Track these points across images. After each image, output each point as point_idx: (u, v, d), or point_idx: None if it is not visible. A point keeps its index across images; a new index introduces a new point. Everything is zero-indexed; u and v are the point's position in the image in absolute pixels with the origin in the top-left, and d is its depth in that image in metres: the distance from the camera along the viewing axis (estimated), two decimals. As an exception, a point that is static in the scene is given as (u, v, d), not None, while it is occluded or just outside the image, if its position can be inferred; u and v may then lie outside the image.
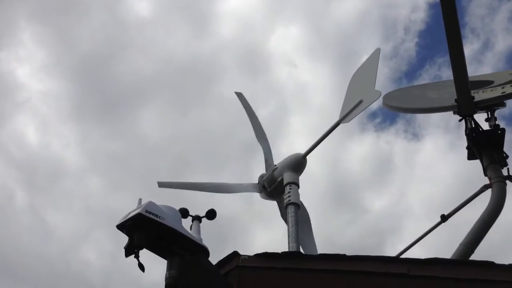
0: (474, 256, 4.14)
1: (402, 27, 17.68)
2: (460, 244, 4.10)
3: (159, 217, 2.71)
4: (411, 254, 5.09)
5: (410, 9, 17.87)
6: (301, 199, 4.73)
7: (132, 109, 17.17)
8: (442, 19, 4.05)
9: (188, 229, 3.09)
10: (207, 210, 3.25)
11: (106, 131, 17.33)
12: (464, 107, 4.72)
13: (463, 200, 4.82)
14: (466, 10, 16.27)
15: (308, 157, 4.87)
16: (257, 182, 5.11)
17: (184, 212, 3.13)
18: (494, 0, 16.31)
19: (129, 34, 17.33)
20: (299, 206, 4.69)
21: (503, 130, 4.76)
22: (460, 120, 4.84)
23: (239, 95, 5.98)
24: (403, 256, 4.88)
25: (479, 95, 4.97)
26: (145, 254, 2.82)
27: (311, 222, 4.92)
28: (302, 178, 4.91)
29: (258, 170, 5.28)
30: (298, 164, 4.80)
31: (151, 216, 2.68)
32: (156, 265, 2.93)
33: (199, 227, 3.18)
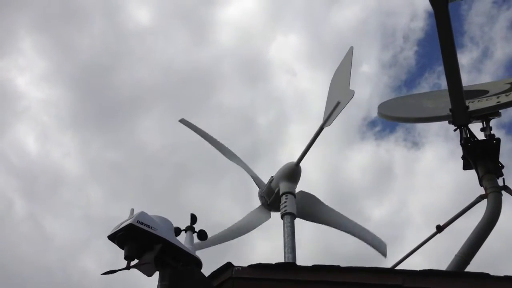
0: (473, 265, 4.12)
1: (401, 35, 17.78)
2: (456, 255, 4.07)
3: (151, 227, 2.68)
4: (410, 263, 5.06)
5: (409, 17, 17.97)
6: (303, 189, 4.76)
7: (131, 118, 17.17)
8: (437, 32, 4.06)
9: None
10: (199, 229, 3.22)
11: (106, 140, 17.31)
12: (459, 117, 4.71)
13: (461, 209, 4.79)
14: (465, 19, 16.37)
15: (308, 166, 4.85)
16: (259, 203, 5.08)
17: (193, 218, 3.12)
18: (493, 8, 16.40)
19: (128, 43, 17.38)
20: (295, 216, 4.67)
21: (498, 140, 4.74)
22: (455, 130, 4.83)
23: (184, 122, 5.81)
24: (400, 266, 4.85)
25: (474, 105, 4.97)
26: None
27: (311, 230, 4.91)
28: (301, 187, 4.90)
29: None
30: (292, 173, 4.78)
31: (142, 226, 2.65)
32: (154, 277, 2.89)
33: (192, 238, 3.14)
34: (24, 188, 16.59)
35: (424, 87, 16.77)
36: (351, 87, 4.48)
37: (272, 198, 4.91)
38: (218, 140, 5.54)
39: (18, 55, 17.43)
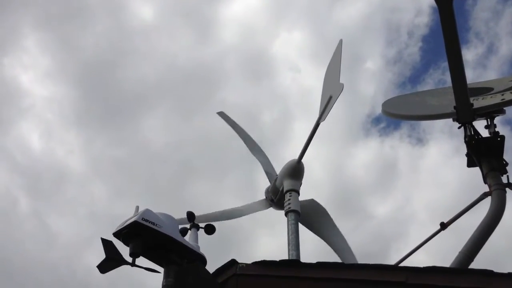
0: (477, 263, 4.11)
1: (405, 31, 17.72)
2: (460, 252, 4.07)
3: (156, 224, 2.70)
4: (414, 260, 5.06)
5: (414, 13, 17.90)
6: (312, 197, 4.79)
7: (135, 115, 17.22)
8: (441, 28, 4.05)
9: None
10: (206, 224, 3.24)
11: (110, 137, 17.38)
12: (463, 114, 4.70)
13: (465, 206, 4.78)
14: (470, 14, 16.29)
15: (312, 163, 4.88)
16: (264, 197, 5.13)
17: (190, 216, 3.13)
18: (498, 4, 16.31)
19: (132, 41, 17.42)
20: (299, 214, 4.68)
21: (503, 137, 4.73)
22: (459, 127, 4.82)
23: (222, 114, 6.02)
24: (403, 263, 4.86)
25: (479, 102, 4.96)
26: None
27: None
28: (305, 184, 4.91)
29: (261, 176, 5.28)
30: (294, 170, 4.81)
31: (147, 224, 2.67)
32: (160, 274, 2.91)
33: (196, 235, 3.17)
34: (29, 185, 16.70)
35: (428, 83, 16.70)
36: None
37: (278, 196, 4.94)
38: (250, 135, 5.64)
39: (22, 53, 17.53)
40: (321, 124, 4.61)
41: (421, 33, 17.94)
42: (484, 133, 4.85)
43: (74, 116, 17.51)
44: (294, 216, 4.62)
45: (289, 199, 4.72)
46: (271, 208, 5.16)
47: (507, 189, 4.56)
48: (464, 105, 4.63)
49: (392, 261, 4.71)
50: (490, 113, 4.90)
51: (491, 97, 5.13)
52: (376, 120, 17.36)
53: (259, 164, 5.37)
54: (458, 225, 4.84)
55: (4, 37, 17.25)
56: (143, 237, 2.69)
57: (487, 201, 4.58)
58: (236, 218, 5.05)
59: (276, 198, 4.98)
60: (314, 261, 3.19)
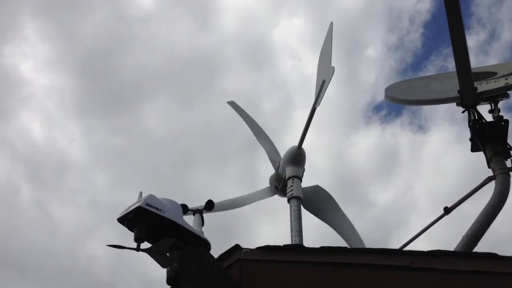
0: (478, 249, 4.12)
1: (407, 17, 17.57)
2: (464, 236, 4.07)
3: (160, 210, 2.70)
4: (415, 247, 5.07)
5: (415, -1, 17.73)
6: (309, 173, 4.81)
7: (136, 104, 17.19)
8: (445, 12, 4.00)
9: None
10: (205, 202, 3.25)
11: (111, 126, 17.37)
12: (467, 98, 4.67)
13: (467, 192, 4.78)
14: (473, 0, 16.13)
15: (313, 151, 4.90)
16: (269, 185, 5.15)
17: (184, 208, 3.12)
18: (501, -11, 16.15)
19: (132, 29, 17.32)
20: (301, 200, 4.69)
21: (507, 121, 4.71)
22: (463, 112, 4.79)
23: (232, 104, 6.04)
24: (406, 248, 4.86)
25: (482, 86, 4.92)
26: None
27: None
28: (307, 172, 4.92)
29: (261, 164, 5.30)
30: (295, 156, 4.82)
31: (151, 209, 2.67)
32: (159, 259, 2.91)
33: (200, 220, 3.17)
34: (30, 174, 16.74)
35: (430, 70, 16.61)
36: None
37: (281, 183, 4.95)
38: (257, 124, 5.64)
39: (21, 41, 17.44)
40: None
41: (422, 19, 17.81)
42: (488, 117, 4.83)
43: (75, 105, 17.50)
44: (296, 202, 4.64)
45: (291, 186, 4.73)
46: (273, 196, 5.17)
47: (511, 173, 4.54)
48: (468, 89, 4.60)
49: (394, 247, 4.72)
50: (494, 97, 4.87)
51: (494, 81, 5.09)
52: (377, 108, 17.33)
53: (259, 152, 5.39)
54: (459, 211, 4.84)
55: (3, 25, 17.16)
56: (147, 222, 2.68)
57: (487, 187, 4.58)
58: (242, 207, 5.05)
59: (280, 185, 4.99)
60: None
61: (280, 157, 5.21)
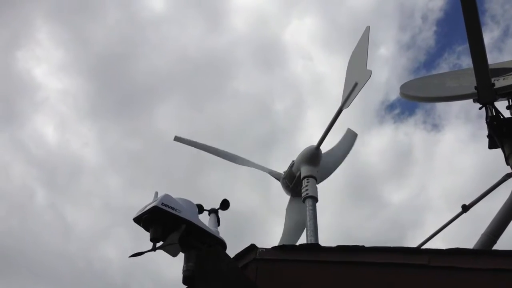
0: (498, 246, 4.06)
1: (419, 15, 17.39)
2: (483, 234, 4.02)
3: (175, 209, 2.71)
4: (431, 246, 5.01)
5: (428, -4, 17.54)
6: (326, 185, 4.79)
7: (148, 107, 17.33)
8: (461, 5, 3.95)
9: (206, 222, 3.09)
10: (220, 201, 3.25)
11: (124, 129, 17.54)
12: (484, 95, 4.61)
13: (485, 189, 4.71)
14: (487, -3, 15.90)
15: (324, 150, 4.86)
16: (281, 172, 5.12)
17: (199, 208, 3.13)
18: (514, -15, 15.88)
19: (144, 32, 17.47)
20: (317, 200, 4.67)
21: None
22: (480, 108, 4.74)
23: (179, 139, 5.95)
24: (424, 247, 4.81)
25: (500, 82, 4.85)
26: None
27: (330, 214, 4.93)
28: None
29: (274, 165, 5.29)
30: (312, 156, 4.79)
31: (167, 209, 2.68)
32: (176, 262, 2.93)
33: (215, 220, 3.17)
34: (45, 178, 16.99)
35: (443, 68, 16.42)
36: (368, 68, 4.44)
37: (293, 182, 4.93)
38: (216, 148, 5.59)
39: (35, 45, 17.71)
40: (335, 110, 4.58)
41: (435, 17, 17.61)
42: (506, 113, 4.76)
43: (88, 109, 17.71)
44: (311, 202, 4.62)
45: (306, 185, 4.71)
46: (287, 197, 5.12)
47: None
48: (485, 85, 4.53)
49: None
50: (511, 93, 4.80)
51: (512, 77, 5.01)
52: (390, 107, 17.18)
53: (272, 153, 5.35)
54: (474, 209, 4.77)
55: (17, 30, 17.46)
56: (163, 222, 2.70)
57: (506, 184, 4.51)
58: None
59: (292, 184, 4.97)
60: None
61: (270, 169, 5.21)
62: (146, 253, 2.68)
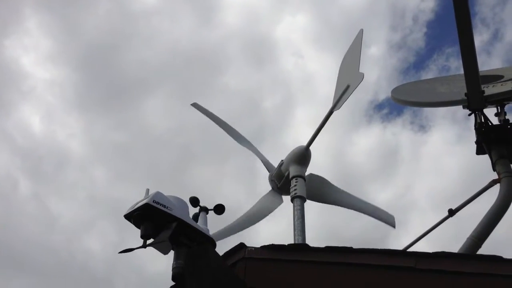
0: (481, 251, 4.12)
1: (410, 16, 17.52)
2: (468, 238, 4.08)
3: (167, 207, 2.71)
4: (415, 248, 5.07)
5: (419, -2, 17.67)
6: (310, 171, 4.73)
7: (137, 99, 17.20)
8: (454, 12, 4.01)
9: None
10: (215, 204, 3.25)
11: (111, 121, 17.39)
12: (474, 102, 4.68)
13: (470, 193, 4.80)
14: (477, 0, 16.07)
15: (313, 149, 4.88)
16: (268, 186, 5.09)
17: (195, 201, 3.13)
18: (505, -12, 16.09)
19: (134, 24, 17.32)
20: (305, 200, 4.70)
21: None
22: (469, 115, 4.80)
23: (196, 106, 5.86)
24: (409, 250, 4.86)
25: (489, 90, 4.93)
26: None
27: (316, 213, 4.95)
28: (308, 170, 4.91)
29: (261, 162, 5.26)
30: (301, 156, 4.82)
31: (158, 206, 2.68)
32: (158, 257, 2.94)
33: (206, 218, 3.18)
34: (29, 168, 16.78)
35: (432, 69, 16.56)
36: (360, 70, 4.47)
37: (282, 181, 4.94)
38: (228, 124, 5.55)
39: (23, 34, 17.46)
40: (324, 109, 4.61)
41: (426, 19, 17.76)
42: (494, 120, 4.84)
43: (75, 99, 17.52)
44: (300, 202, 4.64)
45: (295, 185, 4.73)
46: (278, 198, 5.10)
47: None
48: (476, 92, 4.60)
49: (395, 248, 4.74)
50: (500, 100, 4.88)
51: (501, 84, 5.11)
52: (379, 107, 17.29)
53: (260, 149, 5.33)
54: (459, 212, 4.83)
55: (5, 18, 17.19)
56: (154, 220, 2.70)
57: (491, 189, 4.58)
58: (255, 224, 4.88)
59: (280, 183, 4.98)
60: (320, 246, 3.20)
61: (266, 158, 5.20)
62: (137, 249, 2.68)
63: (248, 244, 3.28)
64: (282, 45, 18.35)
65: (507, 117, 4.83)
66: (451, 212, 4.75)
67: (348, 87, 4.48)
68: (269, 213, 4.86)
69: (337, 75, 4.91)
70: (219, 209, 3.20)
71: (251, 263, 3.20)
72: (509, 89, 4.93)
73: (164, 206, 2.71)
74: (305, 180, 4.83)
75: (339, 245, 3.14)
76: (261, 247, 3.26)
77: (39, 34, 17.87)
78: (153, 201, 2.69)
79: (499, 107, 4.89)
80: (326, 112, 4.63)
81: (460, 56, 4.22)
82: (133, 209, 2.73)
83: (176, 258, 2.83)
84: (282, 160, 5.05)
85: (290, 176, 4.83)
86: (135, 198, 2.78)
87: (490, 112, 4.93)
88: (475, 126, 4.74)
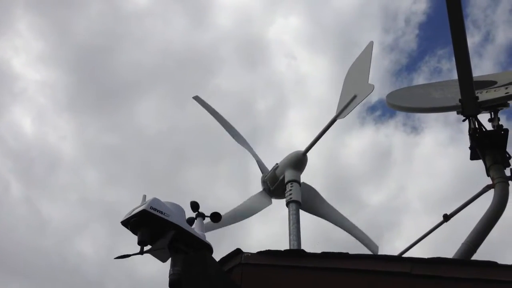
0: (475, 256, 4.15)
1: (403, 18, 17.62)
2: (463, 244, 4.11)
3: (164, 213, 2.72)
4: (409, 253, 5.10)
5: (411, 0, 17.79)
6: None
7: (129, 101, 17.12)
8: (447, 15, 4.03)
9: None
10: (212, 212, 3.24)
11: (103, 123, 17.29)
12: (468, 107, 4.72)
13: (463, 195, 4.85)
14: (468, 1, 16.20)
15: (309, 155, 4.89)
16: (260, 187, 5.08)
17: (195, 206, 3.13)
18: (496, -10, 16.21)
19: (126, 25, 17.26)
20: (300, 204, 4.71)
21: (506, 130, 4.76)
22: (463, 120, 4.85)
23: (197, 99, 5.85)
24: (404, 255, 4.89)
25: (483, 95, 4.98)
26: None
27: (308, 218, 4.96)
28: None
29: (255, 163, 5.26)
30: (298, 161, 4.83)
31: (155, 212, 2.69)
32: (150, 260, 2.93)
33: (202, 224, 3.18)
34: (20, 170, 16.63)
35: (424, 71, 16.66)
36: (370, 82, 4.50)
37: (275, 185, 4.94)
38: (227, 121, 5.55)
39: (14, 35, 17.33)
40: (317, 112, 4.64)
41: (418, 21, 17.86)
42: (488, 126, 4.89)
43: (67, 101, 17.40)
44: (295, 206, 4.65)
45: (290, 190, 4.74)
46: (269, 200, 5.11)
47: (510, 182, 4.60)
48: (470, 98, 4.64)
49: (387, 252, 4.76)
50: (494, 106, 4.92)
51: (495, 90, 5.15)
52: (372, 108, 17.35)
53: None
54: (453, 217, 4.86)
55: (-5, 19, 17.05)
56: (151, 226, 2.70)
57: (486, 195, 4.62)
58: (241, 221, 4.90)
59: (273, 186, 4.97)
60: (313, 251, 3.21)
61: (260, 159, 5.19)
62: (134, 256, 2.67)
63: (241, 245, 3.28)
64: (275, 46, 18.38)
65: (500, 122, 4.87)
66: (446, 218, 4.79)
67: (355, 96, 4.50)
68: (256, 213, 4.87)
69: (333, 79, 4.94)
70: (215, 216, 3.20)
71: (248, 269, 3.21)
72: (503, 95, 4.97)
73: (161, 213, 2.71)
74: (300, 185, 4.84)
75: (336, 251, 3.15)
76: (258, 252, 3.27)
77: (30, 35, 17.73)
78: (150, 208, 2.69)
79: (492, 113, 4.94)
80: (321, 115, 4.67)
81: (453, 59, 4.25)
82: (130, 215, 2.73)
83: (173, 265, 2.83)
84: (277, 164, 5.06)
85: (286, 181, 4.84)
86: (128, 200, 2.78)
87: (484, 118, 4.98)
88: (469, 131, 4.78)
